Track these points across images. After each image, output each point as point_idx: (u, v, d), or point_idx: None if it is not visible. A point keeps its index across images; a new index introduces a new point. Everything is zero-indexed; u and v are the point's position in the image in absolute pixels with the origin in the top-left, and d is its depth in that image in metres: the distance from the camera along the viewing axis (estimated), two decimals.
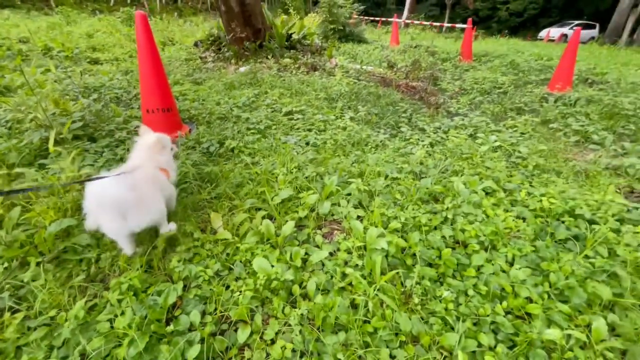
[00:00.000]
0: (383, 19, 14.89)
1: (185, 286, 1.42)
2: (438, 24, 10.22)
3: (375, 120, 3.72)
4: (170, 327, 1.24)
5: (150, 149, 1.60)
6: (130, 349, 1.12)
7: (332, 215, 1.94)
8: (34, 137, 2.30)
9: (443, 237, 1.81)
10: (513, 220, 1.97)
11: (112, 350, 1.15)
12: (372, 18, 14.61)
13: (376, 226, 1.75)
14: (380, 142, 3.13)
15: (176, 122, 2.93)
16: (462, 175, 2.48)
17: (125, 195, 1.32)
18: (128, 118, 3.14)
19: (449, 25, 9.55)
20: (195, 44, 7.41)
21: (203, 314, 1.30)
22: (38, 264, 1.44)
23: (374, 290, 1.39)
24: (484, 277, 1.55)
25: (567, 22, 22.22)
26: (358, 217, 1.88)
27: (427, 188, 2.19)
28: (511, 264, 1.67)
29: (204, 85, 4.52)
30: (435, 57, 7.52)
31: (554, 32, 20.34)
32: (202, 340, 1.19)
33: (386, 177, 2.38)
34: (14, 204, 1.71)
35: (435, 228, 1.90)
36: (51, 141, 2.08)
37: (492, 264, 1.63)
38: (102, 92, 3.93)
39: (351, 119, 3.65)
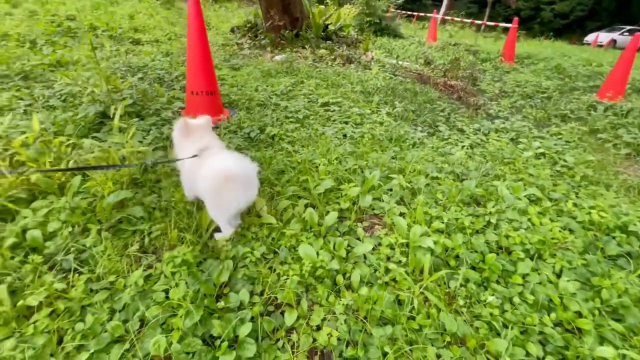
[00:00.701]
0: (419, 13, 14.48)
1: (233, 266, 1.46)
2: (480, 22, 9.81)
3: (412, 117, 3.65)
4: (221, 303, 1.28)
5: (208, 130, 1.65)
6: (186, 320, 1.17)
7: (373, 209, 1.94)
8: (89, 111, 2.41)
9: (486, 241, 1.77)
10: (560, 230, 1.90)
11: (168, 319, 1.20)
12: (408, 12, 14.22)
13: (420, 224, 1.72)
14: (418, 139, 3.08)
15: (218, 105, 2.98)
16: (504, 180, 2.41)
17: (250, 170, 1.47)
18: (171, 99, 3.23)
19: (492, 23, 9.16)
20: (232, 30, 7.49)
21: (251, 293, 1.34)
22: (98, 231, 1.52)
23: (420, 288, 1.38)
24: (530, 286, 1.51)
25: (617, 26, 20.80)
26: (401, 213, 1.86)
27: (470, 190, 2.14)
28: (558, 276, 1.62)
29: (241, 72, 4.57)
30: (476, 56, 7.26)
31: (603, 36, 19.10)
32: (251, 319, 1.22)
33: (426, 175, 2.34)
34: (74, 173, 1.81)
35: (477, 232, 1.86)
36: (117, 116, 2.18)
37: (539, 274, 1.59)
38: (145, 72, 4.05)
39: (388, 114, 3.60)
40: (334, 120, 3.27)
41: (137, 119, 2.66)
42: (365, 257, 1.59)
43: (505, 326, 1.32)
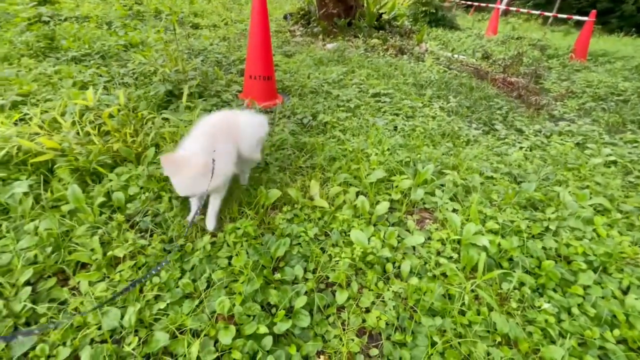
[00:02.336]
0: (479, 4, 13.57)
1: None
2: (550, 14, 8.97)
3: (467, 113, 3.50)
4: (278, 275, 1.37)
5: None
6: (247, 286, 1.27)
7: (424, 203, 1.92)
8: (160, 89, 2.61)
9: (544, 247, 1.69)
10: (630, 245, 1.76)
11: (230, 284, 1.32)
12: (467, 3, 13.39)
13: (474, 223, 1.69)
14: (473, 137, 2.96)
15: (273, 91, 3.08)
16: (566, 187, 2.26)
17: None
18: (229, 82, 3.39)
19: (563, 16, 8.34)
20: (285, 17, 7.58)
21: (304, 270, 1.41)
22: (169, 199, 1.68)
23: (471, 285, 1.37)
24: (592, 298, 1.43)
25: None
26: (453, 210, 1.83)
27: (528, 193, 2.04)
28: (625, 292, 1.51)
29: (294, 59, 4.65)
30: (542, 52, 6.71)
31: None
32: (305, 293, 1.30)
33: (480, 174, 2.26)
34: (148, 146, 1.99)
35: (534, 237, 1.78)
36: (185, 95, 2.35)
37: (602, 287, 1.49)
38: (205, 55, 4.27)
39: (441, 108, 3.49)
40: (385, 112, 3.24)
41: (200, 99, 2.84)
42: (414, 249, 1.60)
43: (561, 335, 1.27)
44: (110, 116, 2.01)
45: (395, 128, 2.91)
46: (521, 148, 2.87)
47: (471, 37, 7.81)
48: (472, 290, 1.39)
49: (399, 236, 1.63)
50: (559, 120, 3.63)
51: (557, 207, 1.98)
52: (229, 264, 1.39)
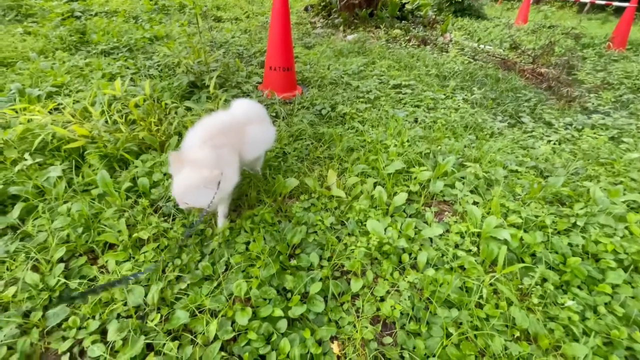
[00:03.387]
0: None
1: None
2: (587, 0, 8.41)
3: (492, 105, 3.38)
4: (294, 262, 1.39)
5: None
6: (264, 271, 1.30)
7: (443, 195, 1.89)
8: (183, 81, 2.68)
9: (570, 244, 1.62)
10: None
11: (248, 268, 1.35)
12: None
13: (495, 216, 1.64)
14: (497, 129, 2.86)
15: (293, 82, 3.09)
16: (598, 182, 2.14)
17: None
18: (250, 73, 3.43)
19: (602, 2, 7.81)
20: (306, 9, 7.54)
21: (320, 257, 1.43)
22: None
23: (490, 278, 1.34)
24: (621, 298, 1.36)
25: None
26: (474, 202, 1.78)
27: (555, 188, 1.95)
28: None
29: (314, 50, 4.63)
30: (577, 41, 6.34)
31: None
32: (320, 280, 1.31)
33: (504, 167, 2.19)
34: (171, 135, 2.06)
35: (560, 233, 1.71)
36: (212, 84, 2.40)
37: (633, 287, 1.42)
38: (227, 47, 4.33)
39: (464, 100, 3.38)
40: (405, 103, 3.18)
41: (221, 89, 2.89)
42: (432, 241, 1.58)
43: (585, 334, 1.23)
44: (136, 106, 2.08)
45: (416, 120, 2.85)
46: (549, 141, 2.74)
47: (499, 27, 7.48)
48: (491, 284, 1.36)
49: (416, 227, 1.61)
50: (592, 113, 3.43)
51: (586, 202, 1.89)
52: (247, 249, 1.43)
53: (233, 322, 1.16)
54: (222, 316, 1.17)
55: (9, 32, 4.01)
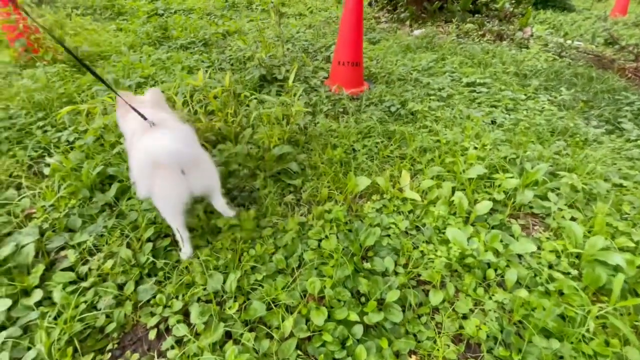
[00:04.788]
0: None
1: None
2: None
3: (584, 108, 2.97)
4: (367, 265, 1.34)
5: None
6: (338, 270, 1.26)
7: (531, 207, 1.68)
8: (255, 74, 2.75)
9: None
10: None
11: (320, 266, 1.32)
12: None
13: (601, 236, 1.41)
14: (592, 136, 2.50)
15: (360, 77, 3.01)
16: None
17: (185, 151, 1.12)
18: (316, 68, 3.42)
19: None
20: (370, 4, 7.36)
21: (395, 263, 1.35)
22: (264, 178, 1.76)
23: (598, 309, 1.15)
24: None
25: None
26: (572, 218, 1.56)
27: None
28: None
29: (379, 45, 4.49)
30: None
31: None
32: (397, 287, 1.24)
33: (605, 179, 1.89)
34: (245, 127, 2.12)
35: None
36: (291, 78, 2.44)
37: None
38: (293, 43, 4.38)
39: (550, 101, 3.02)
40: (480, 103, 2.93)
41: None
42: (521, 257, 1.41)
43: None
44: (215, 97, 2.18)
45: (493, 121, 2.60)
46: None
47: (590, 20, 6.59)
48: (598, 316, 1.16)
49: (501, 241, 1.45)
50: None
51: None
52: (319, 246, 1.40)
53: (307, 320, 1.14)
54: (297, 313, 1.16)
55: (105, 29, 4.49)
